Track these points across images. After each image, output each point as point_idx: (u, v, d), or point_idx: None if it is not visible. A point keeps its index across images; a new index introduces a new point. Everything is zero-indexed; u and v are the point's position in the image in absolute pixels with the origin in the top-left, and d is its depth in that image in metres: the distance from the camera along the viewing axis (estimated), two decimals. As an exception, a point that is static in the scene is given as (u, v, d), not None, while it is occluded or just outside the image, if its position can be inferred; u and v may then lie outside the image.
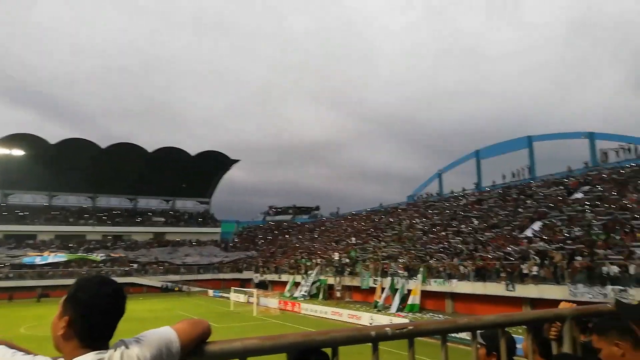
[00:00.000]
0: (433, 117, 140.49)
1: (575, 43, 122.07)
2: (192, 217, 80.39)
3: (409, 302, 31.92)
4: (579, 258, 24.58)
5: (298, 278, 46.55)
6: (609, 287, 21.48)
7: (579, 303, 2.99)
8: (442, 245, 37.71)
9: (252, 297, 38.17)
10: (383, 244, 46.49)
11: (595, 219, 28.95)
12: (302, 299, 41.49)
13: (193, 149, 77.59)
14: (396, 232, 48.57)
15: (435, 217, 47.48)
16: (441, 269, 32.42)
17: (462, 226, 40.68)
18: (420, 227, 46.46)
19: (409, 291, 32.59)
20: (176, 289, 54.44)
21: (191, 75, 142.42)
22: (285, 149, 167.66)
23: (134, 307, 34.49)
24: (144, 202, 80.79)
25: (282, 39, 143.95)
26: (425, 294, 32.41)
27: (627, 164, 36.91)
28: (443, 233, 41.04)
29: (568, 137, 46.54)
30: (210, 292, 52.72)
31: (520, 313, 2.33)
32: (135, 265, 59.54)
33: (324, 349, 1.68)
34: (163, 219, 76.09)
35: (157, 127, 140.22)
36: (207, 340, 1.48)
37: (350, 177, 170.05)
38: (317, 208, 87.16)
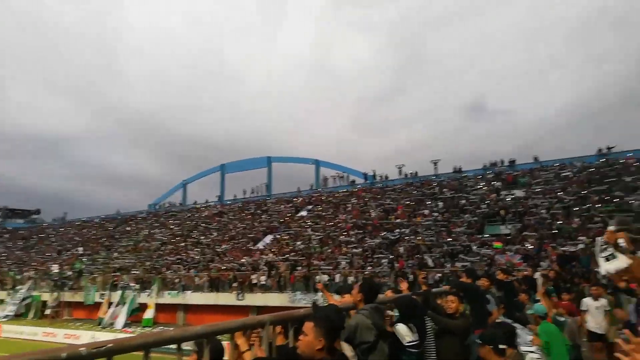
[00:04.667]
0: (184, 128, 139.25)
1: (315, 82, 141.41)
2: None
3: (145, 316, 30.24)
4: (299, 268, 28.04)
5: (2, 295, 38.43)
6: (320, 293, 25.16)
7: (296, 308, 3.46)
8: (179, 257, 37.27)
9: None
10: (116, 254, 42.90)
11: (314, 234, 33.69)
12: (5, 319, 34.32)
13: None
14: (132, 242, 45.57)
15: (175, 228, 46.67)
16: (176, 280, 31.95)
17: (202, 237, 41.21)
18: (160, 237, 44.88)
19: (141, 305, 30.90)
20: None
21: None
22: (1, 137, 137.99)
23: None
24: None
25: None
26: (158, 307, 31.26)
27: (340, 189, 44.45)
28: (182, 244, 40.66)
29: (300, 161, 53.21)
30: None
31: (226, 322, 2.55)
32: None
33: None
34: None
35: None
36: None
37: (85, 180, 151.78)
38: (37, 212, 74.20)
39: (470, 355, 4.86)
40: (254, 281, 28.05)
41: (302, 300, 25.36)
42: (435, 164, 40.42)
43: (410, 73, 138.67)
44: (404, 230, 30.27)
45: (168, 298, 31.18)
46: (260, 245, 35.32)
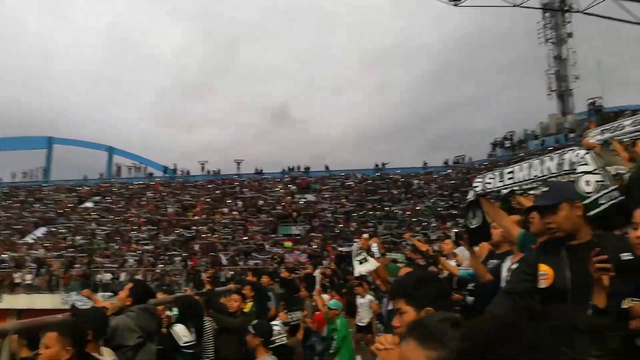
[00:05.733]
0: None
1: (116, 63, 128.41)
2: None
3: None
4: (77, 266, 24.97)
5: None
6: (100, 293, 22.82)
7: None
8: None
9: None
10: None
11: (100, 228, 30.52)
12: None
13: None
14: None
15: None
16: None
17: (-53, 227, 33.17)
18: None
19: None
20: None
21: None
22: None
23: None
24: None
25: None
26: None
27: (136, 180, 41.31)
28: None
29: (90, 146, 47.60)
30: None
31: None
32: None
33: None
34: None
35: None
36: None
37: None
38: None
39: (250, 353, 5.05)
40: (17, 280, 23.86)
41: (78, 302, 22.58)
42: (238, 163, 41.04)
43: (222, 72, 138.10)
44: (201, 227, 29.86)
45: None
46: (29, 239, 30.25)
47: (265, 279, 6.31)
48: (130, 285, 3.46)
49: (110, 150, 45.93)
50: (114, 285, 23.05)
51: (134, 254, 26.49)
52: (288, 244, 26.21)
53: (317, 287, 9.28)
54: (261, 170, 40.63)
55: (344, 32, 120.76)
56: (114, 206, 34.90)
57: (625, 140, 5.44)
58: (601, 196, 2.32)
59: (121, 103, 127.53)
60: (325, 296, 7.62)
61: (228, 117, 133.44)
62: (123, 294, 3.33)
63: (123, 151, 46.34)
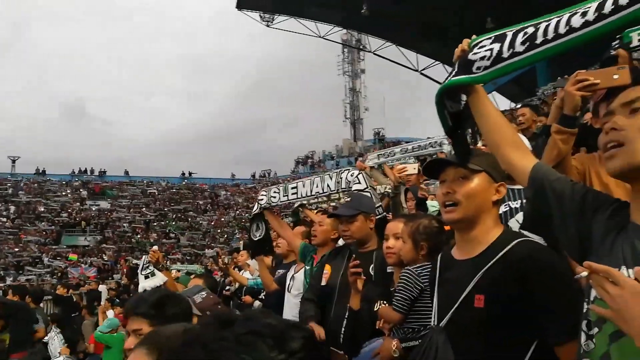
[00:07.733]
0: None
1: None
2: None
3: None
4: None
5: None
6: None
7: None
8: None
9: None
10: None
11: None
12: None
13: None
14: None
15: None
16: None
17: None
18: None
19: None
20: None
21: None
22: None
23: None
24: None
25: None
26: None
27: None
28: None
29: None
30: None
31: None
32: None
33: None
34: None
35: None
36: None
37: None
38: None
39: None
40: None
41: None
42: (13, 161, 34.71)
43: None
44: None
45: None
46: None
47: (29, 298, 5.39)
48: None
49: None
50: None
51: None
52: (73, 256, 23.20)
53: (102, 303, 8.42)
54: (44, 170, 35.16)
55: (160, 37, 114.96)
56: None
57: (394, 164, 6.37)
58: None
59: None
60: (110, 312, 6.97)
61: (5, 107, 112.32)
62: None
63: None
